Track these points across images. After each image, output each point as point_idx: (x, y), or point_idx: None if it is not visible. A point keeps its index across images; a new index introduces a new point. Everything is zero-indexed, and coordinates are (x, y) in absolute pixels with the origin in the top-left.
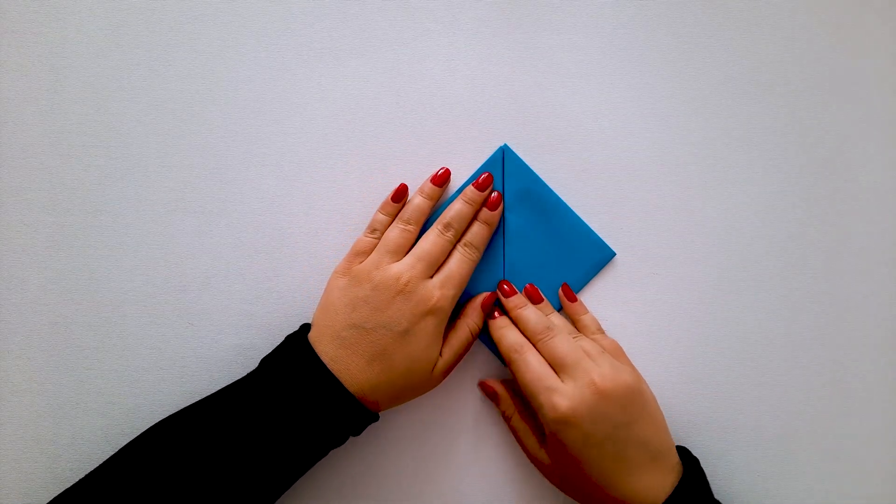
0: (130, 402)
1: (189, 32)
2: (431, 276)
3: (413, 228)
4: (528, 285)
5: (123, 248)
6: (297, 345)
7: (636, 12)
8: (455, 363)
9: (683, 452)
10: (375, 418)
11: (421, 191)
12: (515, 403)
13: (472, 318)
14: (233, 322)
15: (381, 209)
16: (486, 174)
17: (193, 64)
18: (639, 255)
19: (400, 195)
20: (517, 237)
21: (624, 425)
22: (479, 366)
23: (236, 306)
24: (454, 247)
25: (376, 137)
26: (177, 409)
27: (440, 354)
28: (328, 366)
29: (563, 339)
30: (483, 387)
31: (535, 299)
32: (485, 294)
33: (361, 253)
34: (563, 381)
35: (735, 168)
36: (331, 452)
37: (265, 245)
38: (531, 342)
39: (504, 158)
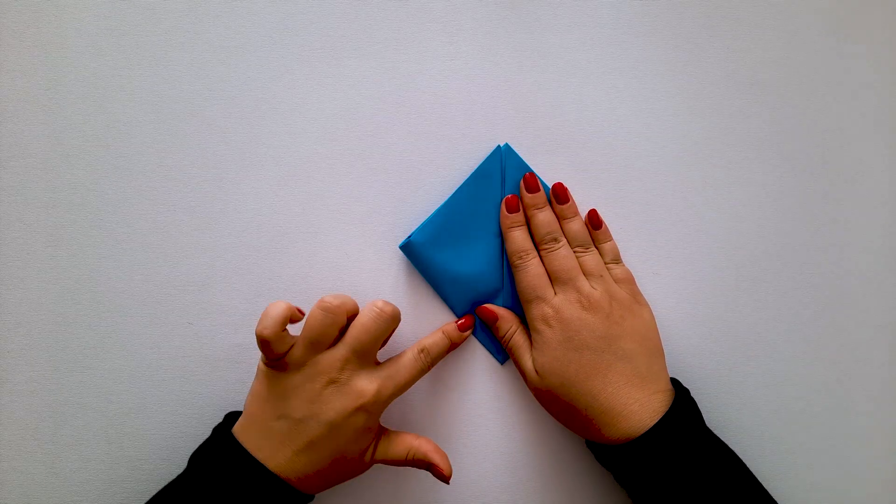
0: (130, 402)
1: (189, 32)
2: (369, 366)
3: (336, 316)
4: (556, 184)
5: (123, 248)
6: (223, 438)
7: (636, 12)
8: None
9: (674, 383)
10: (310, 499)
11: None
12: (513, 323)
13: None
14: (233, 322)
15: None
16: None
17: (193, 64)
18: (639, 255)
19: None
20: None
21: (608, 337)
22: (472, 357)
23: (236, 306)
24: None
25: (376, 137)
26: (176, 408)
27: (374, 443)
28: (254, 455)
29: (563, 254)
30: (482, 311)
31: (560, 199)
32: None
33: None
34: (555, 293)
35: (735, 168)
36: None
37: (265, 245)
38: (538, 248)
39: (503, 156)
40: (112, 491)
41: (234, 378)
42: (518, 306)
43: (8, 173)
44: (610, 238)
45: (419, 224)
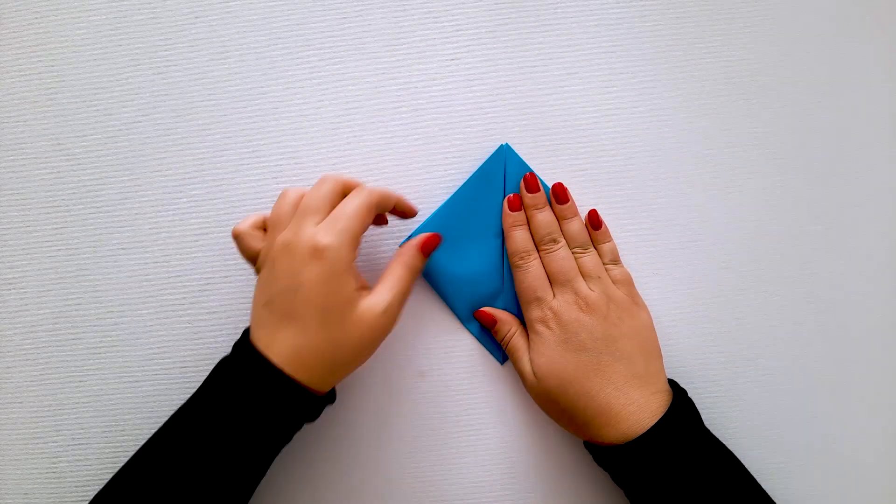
0: (130, 402)
1: (189, 32)
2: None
3: (290, 204)
4: (556, 184)
5: (123, 248)
6: (242, 345)
7: (636, 12)
8: (397, 303)
9: (672, 384)
10: (331, 399)
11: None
12: (512, 325)
13: (407, 256)
14: (233, 322)
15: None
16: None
17: (193, 64)
18: (639, 256)
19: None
20: None
21: (605, 339)
22: (472, 357)
23: (236, 306)
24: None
25: (376, 137)
26: (176, 409)
27: (363, 296)
28: (260, 351)
29: (562, 255)
30: (481, 315)
31: (560, 199)
32: (426, 235)
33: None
34: (554, 295)
35: (735, 167)
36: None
37: None
38: (537, 248)
39: (505, 157)
40: None
41: None
42: (518, 307)
43: (8, 173)
44: (609, 238)
45: (419, 224)
